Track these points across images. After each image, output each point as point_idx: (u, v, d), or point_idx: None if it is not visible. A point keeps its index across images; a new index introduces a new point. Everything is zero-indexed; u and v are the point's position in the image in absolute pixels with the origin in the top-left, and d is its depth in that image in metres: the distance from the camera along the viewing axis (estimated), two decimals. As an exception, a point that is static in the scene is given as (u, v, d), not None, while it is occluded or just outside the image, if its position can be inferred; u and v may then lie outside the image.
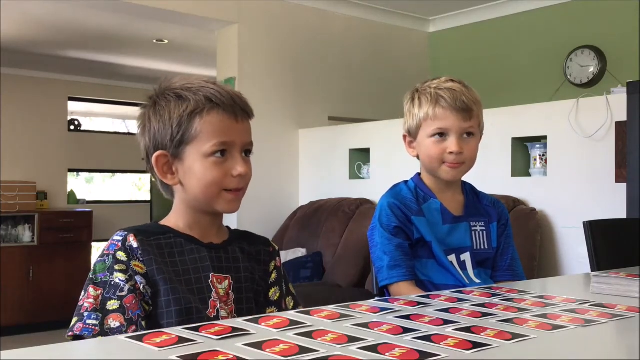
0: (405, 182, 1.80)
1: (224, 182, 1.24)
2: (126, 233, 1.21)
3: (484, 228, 1.76)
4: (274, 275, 1.37)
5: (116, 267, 1.17)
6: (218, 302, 1.23)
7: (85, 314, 1.14)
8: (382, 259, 1.69)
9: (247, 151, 1.29)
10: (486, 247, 1.75)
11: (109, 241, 1.22)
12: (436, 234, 1.70)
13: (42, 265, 6.07)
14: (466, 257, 1.72)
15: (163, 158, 1.25)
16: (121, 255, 1.19)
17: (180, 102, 1.24)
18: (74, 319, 1.15)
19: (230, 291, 1.26)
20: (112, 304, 1.14)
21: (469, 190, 1.82)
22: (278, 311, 1.33)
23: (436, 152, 1.69)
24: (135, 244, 1.20)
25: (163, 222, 1.31)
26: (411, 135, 1.75)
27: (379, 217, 1.73)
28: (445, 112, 1.68)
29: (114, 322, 1.13)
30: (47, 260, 6.09)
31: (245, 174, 1.25)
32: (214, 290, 1.24)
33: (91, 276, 1.18)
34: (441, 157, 1.69)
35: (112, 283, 1.16)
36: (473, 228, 1.75)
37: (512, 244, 1.80)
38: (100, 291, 1.16)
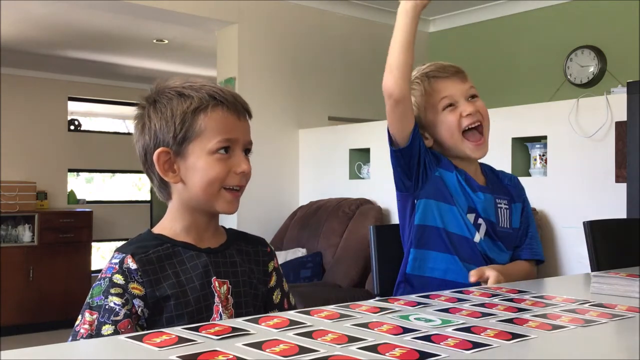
0: None
1: (226, 180, 1.24)
2: (124, 255, 1.19)
3: (507, 207, 1.75)
4: (274, 278, 1.36)
5: (112, 291, 1.15)
6: (220, 307, 1.23)
7: (81, 340, 1.13)
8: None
9: (247, 150, 1.29)
10: (508, 226, 1.73)
11: (107, 263, 1.20)
12: (463, 193, 1.68)
13: (42, 265, 6.06)
14: (483, 222, 1.70)
15: (165, 155, 1.23)
16: (118, 279, 1.17)
17: (182, 100, 1.23)
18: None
19: (229, 296, 1.25)
20: (107, 329, 1.13)
21: (487, 170, 1.80)
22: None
23: (452, 120, 1.68)
24: (133, 266, 1.18)
25: (157, 229, 1.28)
26: (422, 127, 1.72)
27: None
28: (440, 81, 1.69)
29: None
30: (47, 260, 6.09)
31: (248, 172, 1.26)
32: (216, 294, 1.23)
33: (88, 300, 1.17)
34: (459, 124, 1.67)
35: (107, 307, 1.14)
36: (498, 205, 1.73)
37: (532, 223, 1.78)
38: (95, 315, 1.14)
